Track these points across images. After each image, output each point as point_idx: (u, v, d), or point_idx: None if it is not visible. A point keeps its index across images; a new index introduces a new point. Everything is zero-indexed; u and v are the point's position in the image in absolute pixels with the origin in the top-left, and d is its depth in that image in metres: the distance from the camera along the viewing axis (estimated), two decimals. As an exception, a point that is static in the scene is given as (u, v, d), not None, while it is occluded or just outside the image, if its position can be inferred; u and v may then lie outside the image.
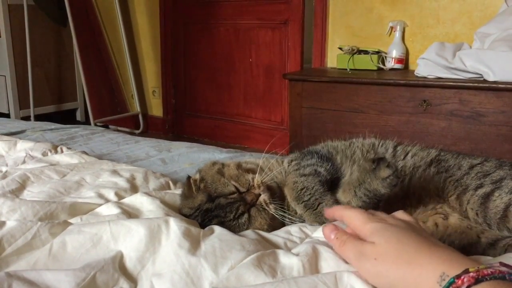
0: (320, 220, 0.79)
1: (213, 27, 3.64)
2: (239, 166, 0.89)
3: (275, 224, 0.82)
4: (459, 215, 0.78)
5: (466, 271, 0.46)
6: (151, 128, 4.22)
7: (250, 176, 0.85)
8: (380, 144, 0.94)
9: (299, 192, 0.81)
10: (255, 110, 3.55)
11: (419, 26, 2.63)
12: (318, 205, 0.79)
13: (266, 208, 0.81)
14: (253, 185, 0.83)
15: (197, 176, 0.87)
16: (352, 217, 0.63)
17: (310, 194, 0.80)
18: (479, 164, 0.83)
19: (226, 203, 0.80)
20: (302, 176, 0.83)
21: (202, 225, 0.79)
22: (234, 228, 0.79)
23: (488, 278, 0.45)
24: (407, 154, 0.91)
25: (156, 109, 4.18)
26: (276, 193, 0.86)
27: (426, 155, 0.89)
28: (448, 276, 0.47)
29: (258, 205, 0.82)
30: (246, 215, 0.80)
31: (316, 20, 3.02)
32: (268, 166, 0.90)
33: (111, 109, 4.14)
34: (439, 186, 0.81)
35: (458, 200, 0.79)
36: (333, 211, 0.68)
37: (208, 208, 0.81)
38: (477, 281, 0.45)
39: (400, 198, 0.83)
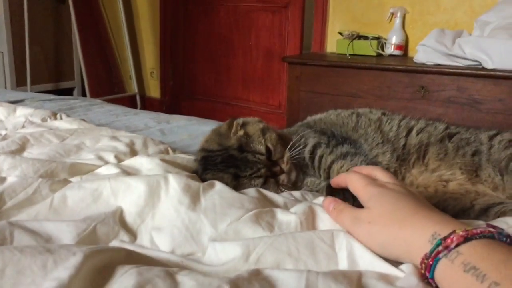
0: None
1: (213, 9, 3.62)
2: (279, 136, 0.90)
3: None
4: (491, 186, 0.80)
5: (454, 232, 0.47)
6: (148, 109, 4.17)
7: (283, 149, 0.86)
8: (387, 121, 0.94)
9: None
10: (253, 93, 3.54)
11: (420, 13, 2.63)
12: None
13: (279, 186, 0.84)
14: (283, 160, 0.85)
15: (241, 121, 0.88)
16: (353, 180, 0.64)
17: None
18: (497, 134, 0.86)
19: (252, 160, 0.81)
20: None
21: (214, 169, 0.81)
22: (243, 186, 0.81)
23: (477, 237, 0.46)
24: (410, 130, 0.91)
25: (154, 90, 4.17)
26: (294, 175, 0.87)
27: (433, 129, 0.90)
28: (439, 235, 0.48)
29: (276, 179, 0.84)
30: (261, 180, 0.82)
31: (317, 4, 3.01)
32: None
33: (108, 89, 4.12)
34: (467, 161, 0.83)
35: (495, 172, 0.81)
36: (337, 179, 0.69)
37: (233, 155, 0.82)
38: (466, 239, 0.46)
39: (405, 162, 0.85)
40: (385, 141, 0.89)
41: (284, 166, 0.84)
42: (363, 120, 0.95)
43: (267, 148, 0.84)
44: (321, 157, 0.86)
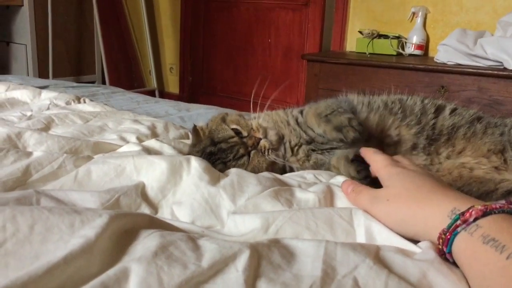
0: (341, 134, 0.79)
1: (234, 6, 3.64)
2: (241, 114, 0.93)
3: (275, 170, 0.85)
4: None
5: (473, 207, 0.47)
6: (166, 105, 4.25)
7: (251, 121, 0.88)
8: (408, 98, 0.94)
9: (322, 109, 0.84)
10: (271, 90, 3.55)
11: (442, 12, 2.61)
12: (339, 117, 0.80)
13: (265, 154, 0.85)
14: (253, 128, 0.86)
15: (202, 124, 0.92)
16: (376, 160, 0.66)
17: (332, 109, 0.83)
18: None
19: (227, 147, 0.84)
20: (325, 103, 0.86)
21: None
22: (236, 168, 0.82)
23: (496, 212, 0.46)
24: (440, 108, 0.90)
25: (173, 86, 4.21)
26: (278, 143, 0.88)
27: (465, 112, 0.89)
28: (459, 210, 0.48)
29: (258, 149, 0.85)
30: (245, 157, 0.84)
31: (338, 3, 3.01)
32: (272, 114, 0.93)
33: (128, 84, 4.17)
34: (496, 140, 0.83)
35: None
36: (365, 151, 0.71)
37: (211, 151, 0.84)
38: (485, 214, 0.46)
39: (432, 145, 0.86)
40: (407, 115, 0.88)
41: (258, 134, 0.86)
42: (377, 96, 0.97)
43: (234, 130, 0.86)
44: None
